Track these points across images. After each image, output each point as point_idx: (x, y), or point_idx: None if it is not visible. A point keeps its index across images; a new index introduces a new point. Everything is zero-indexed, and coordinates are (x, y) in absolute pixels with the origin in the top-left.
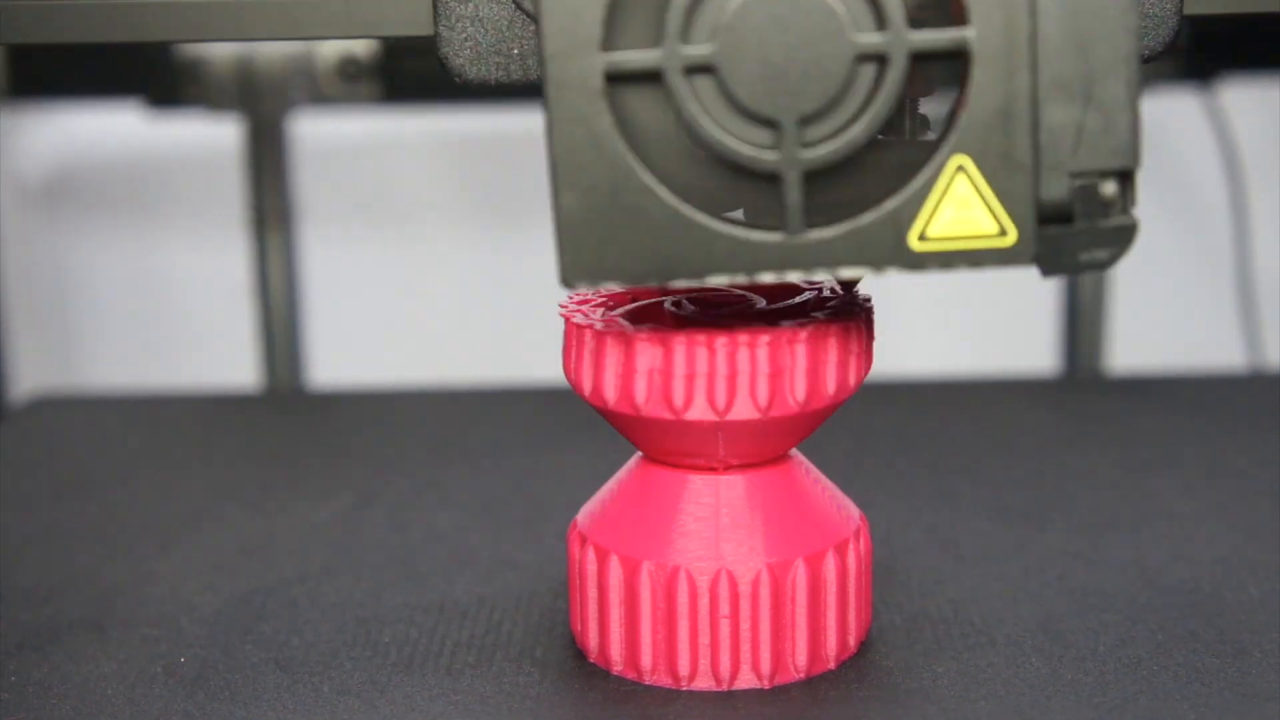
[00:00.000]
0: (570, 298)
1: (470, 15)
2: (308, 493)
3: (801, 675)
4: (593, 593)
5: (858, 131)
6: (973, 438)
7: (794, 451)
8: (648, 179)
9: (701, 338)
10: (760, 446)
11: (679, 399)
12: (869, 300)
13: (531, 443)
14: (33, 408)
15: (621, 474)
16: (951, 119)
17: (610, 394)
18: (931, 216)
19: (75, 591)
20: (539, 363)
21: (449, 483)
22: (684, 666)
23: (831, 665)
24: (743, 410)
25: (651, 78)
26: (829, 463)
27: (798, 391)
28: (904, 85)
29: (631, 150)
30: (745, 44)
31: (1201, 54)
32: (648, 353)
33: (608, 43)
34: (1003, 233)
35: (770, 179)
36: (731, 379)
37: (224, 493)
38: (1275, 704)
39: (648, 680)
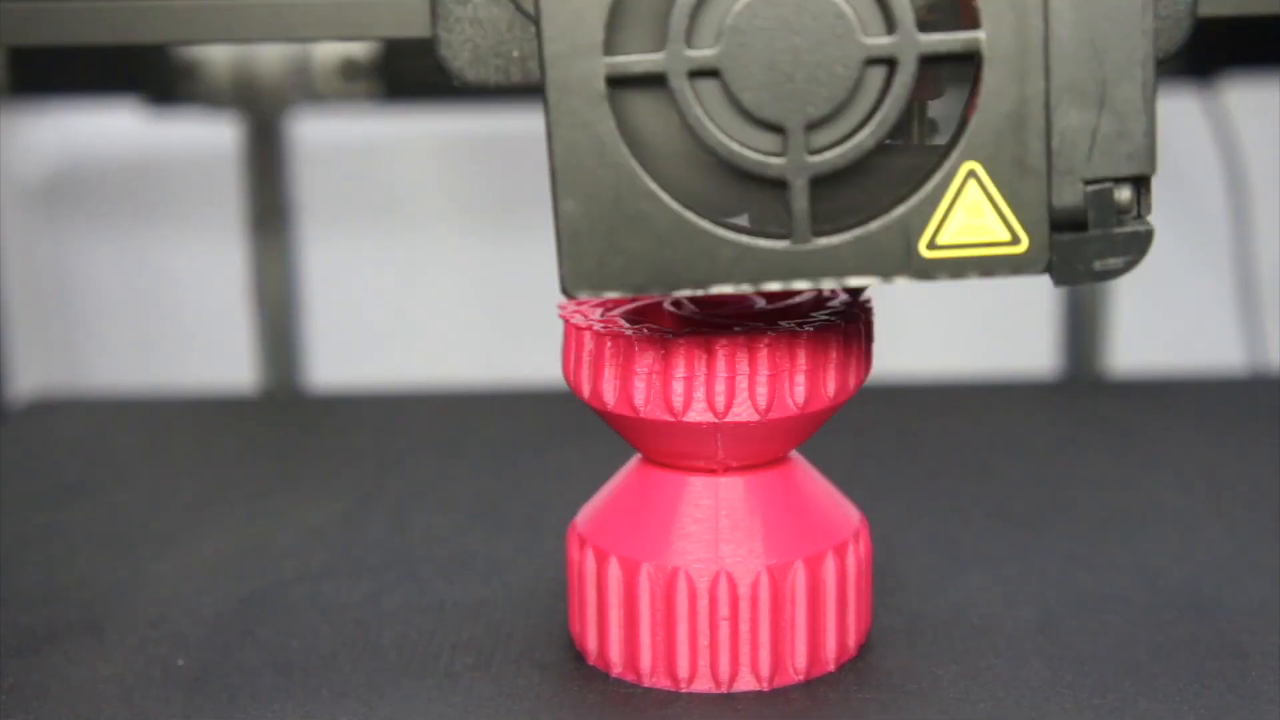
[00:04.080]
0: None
1: (469, 17)
2: (307, 494)
3: (801, 677)
4: (592, 594)
5: (866, 136)
6: (973, 439)
7: (794, 453)
8: (651, 185)
9: (701, 339)
10: (760, 448)
11: (678, 401)
12: (869, 302)
13: (531, 443)
14: (33, 408)
15: (621, 476)
16: (962, 123)
17: (609, 396)
18: (942, 224)
19: (74, 593)
20: (539, 363)
21: (449, 483)
22: (683, 668)
23: (831, 667)
24: (742, 412)
25: (655, 81)
26: (829, 464)
27: (797, 394)
28: (913, 89)
29: (634, 156)
30: (751, 47)
31: (1202, 53)
32: (647, 354)
33: (610, 46)
34: (1015, 240)
35: (777, 185)
36: (731, 381)
37: (223, 494)
38: (1275, 706)
39: (647, 682)
